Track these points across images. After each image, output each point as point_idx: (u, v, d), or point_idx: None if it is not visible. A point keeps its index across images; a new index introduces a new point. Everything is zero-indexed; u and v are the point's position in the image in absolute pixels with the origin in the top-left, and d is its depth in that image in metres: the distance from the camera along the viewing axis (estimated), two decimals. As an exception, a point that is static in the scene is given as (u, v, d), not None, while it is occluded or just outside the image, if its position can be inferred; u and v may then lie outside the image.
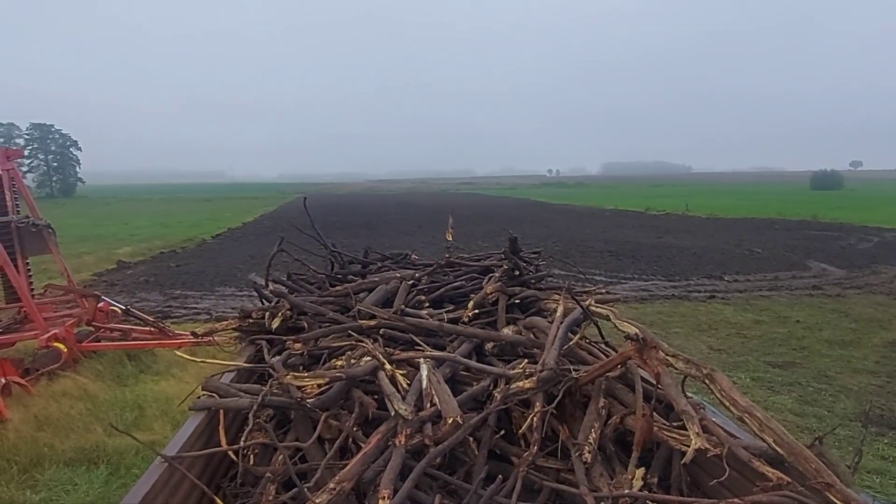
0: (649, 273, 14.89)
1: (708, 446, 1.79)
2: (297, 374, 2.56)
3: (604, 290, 4.03)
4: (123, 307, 7.64)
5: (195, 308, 11.14)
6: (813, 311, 10.67)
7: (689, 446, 2.05)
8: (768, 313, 10.59)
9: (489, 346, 3.23)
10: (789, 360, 7.87)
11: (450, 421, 2.42)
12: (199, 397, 2.59)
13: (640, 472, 2.26)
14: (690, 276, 14.34)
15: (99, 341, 7.20)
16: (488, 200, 58.15)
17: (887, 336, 8.94)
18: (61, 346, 6.60)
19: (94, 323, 7.30)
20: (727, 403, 1.92)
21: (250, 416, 2.32)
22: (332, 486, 2.12)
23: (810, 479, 1.60)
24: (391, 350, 3.03)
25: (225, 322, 3.63)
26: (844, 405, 6.28)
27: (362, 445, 2.41)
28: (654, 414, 2.24)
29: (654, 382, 2.30)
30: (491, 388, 2.77)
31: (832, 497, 1.55)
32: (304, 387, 2.62)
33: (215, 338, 4.71)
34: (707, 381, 2.01)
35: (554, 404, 2.47)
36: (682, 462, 1.86)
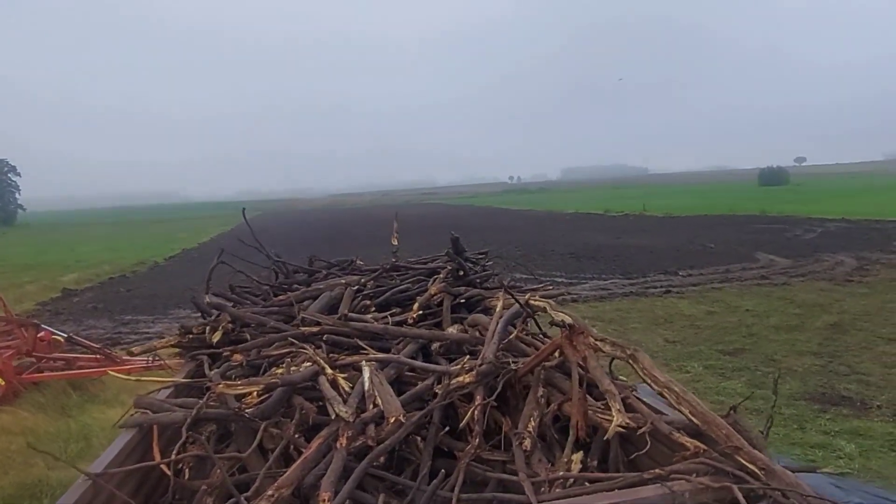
0: (608, 272, 15.21)
1: (629, 422, 1.85)
2: (229, 382, 2.52)
3: (550, 287, 4.11)
4: (65, 335, 7.34)
5: (147, 333, 10.78)
6: (761, 300, 11.07)
7: (620, 428, 2.12)
8: (720, 304, 10.94)
9: (435, 346, 3.25)
10: (739, 347, 8.14)
11: (392, 420, 2.43)
12: (132, 415, 2.51)
13: (579, 455, 2.31)
14: (647, 273, 14.69)
15: (41, 372, 6.88)
16: (451, 210, 58.39)
17: (829, 319, 9.35)
18: (-1, 379, 6.30)
19: (34, 353, 6.98)
20: (649, 381, 1.99)
21: (183, 429, 2.27)
22: (270, 492, 2.10)
23: (720, 445, 1.67)
24: (335, 355, 3.01)
25: (164, 340, 3.55)
26: (790, 386, 6.52)
27: (303, 452, 2.38)
28: (588, 397, 2.30)
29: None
30: (434, 385, 2.78)
31: (741, 459, 1.62)
32: (243, 398, 2.58)
33: (166, 361, 4.59)
34: (631, 361, 2.07)
35: (494, 396, 2.50)
36: (605, 438, 1.92)
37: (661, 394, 1.96)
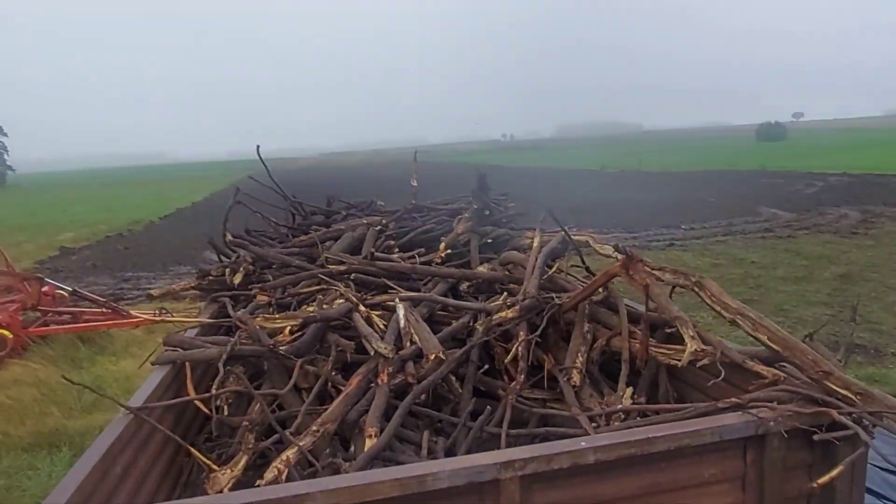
0: (609, 226, 15.06)
1: (704, 348, 1.76)
2: (267, 315, 2.41)
3: (574, 229, 3.99)
4: (70, 289, 7.21)
5: (149, 288, 10.62)
6: (766, 252, 11.01)
7: (677, 360, 2.03)
8: (725, 257, 10.87)
9: (464, 286, 3.15)
10: (748, 298, 8.08)
11: (432, 357, 2.34)
12: (164, 352, 2.42)
13: (629, 391, 2.24)
14: (649, 227, 14.58)
15: (47, 325, 6.79)
16: (446, 168, 57.68)
17: (837, 270, 9.30)
18: (6, 332, 6.20)
19: (40, 307, 6.86)
20: (718, 308, 1.89)
21: (220, 364, 2.17)
22: (314, 428, 2.02)
23: (807, 371, 1.58)
24: (363, 295, 2.91)
25: (183, 283, 3.43)
26: (802, 335, 6.52)
27: (342, 390, 2.30)
28: (636, 331, 2.21)
29: (638, 302, 2.26)
30: (471, 324, 2.69)
31: (832, 385, 1.54)
32: (275, 334, 2.49)
33: (175, 315, 4.48)
34: (696, 289, 1.97)
35: (538, 332, 2.41)
36: (680, 364, 1.83)
37: (733, 321, 1.86)
